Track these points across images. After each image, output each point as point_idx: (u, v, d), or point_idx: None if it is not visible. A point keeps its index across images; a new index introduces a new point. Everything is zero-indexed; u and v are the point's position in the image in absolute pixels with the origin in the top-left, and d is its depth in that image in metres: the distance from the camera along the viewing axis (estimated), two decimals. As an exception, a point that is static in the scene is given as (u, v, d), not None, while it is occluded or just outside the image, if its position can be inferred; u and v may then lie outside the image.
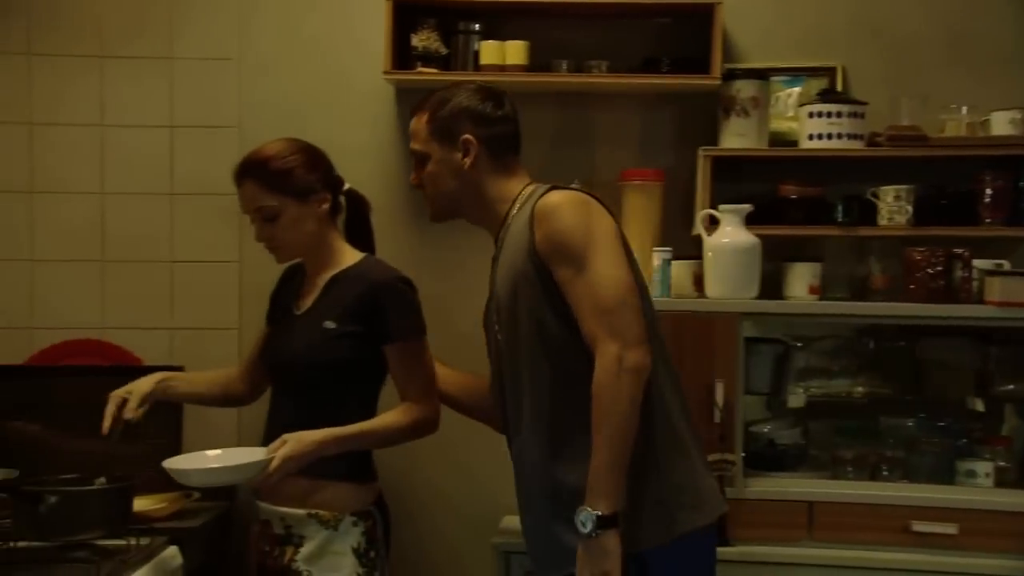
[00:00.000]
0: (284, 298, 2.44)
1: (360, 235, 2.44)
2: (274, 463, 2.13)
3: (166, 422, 2.83)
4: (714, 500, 2.07)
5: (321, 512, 2.24)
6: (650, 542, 1.97)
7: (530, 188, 2.13)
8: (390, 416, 2.26)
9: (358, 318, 2.27)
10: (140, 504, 2.50)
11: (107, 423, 2.26)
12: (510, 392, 2.09)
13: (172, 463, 2.18)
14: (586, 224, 1.97)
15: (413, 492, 2.95)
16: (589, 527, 1.88)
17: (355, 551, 2.25)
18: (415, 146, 2.17)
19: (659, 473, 1.99)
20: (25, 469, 2.63)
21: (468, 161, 2.12)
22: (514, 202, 2.12)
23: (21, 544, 2.27)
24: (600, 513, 1.88)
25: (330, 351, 2.27)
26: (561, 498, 1.99)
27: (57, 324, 2.98)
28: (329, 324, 2.28)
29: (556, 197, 2.01)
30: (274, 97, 2.99)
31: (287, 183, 2.29)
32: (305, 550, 2.25)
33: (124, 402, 2.29)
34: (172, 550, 2.43)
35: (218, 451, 2.27)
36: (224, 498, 2.84)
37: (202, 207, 2.99)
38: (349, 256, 2.36)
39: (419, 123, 2.16)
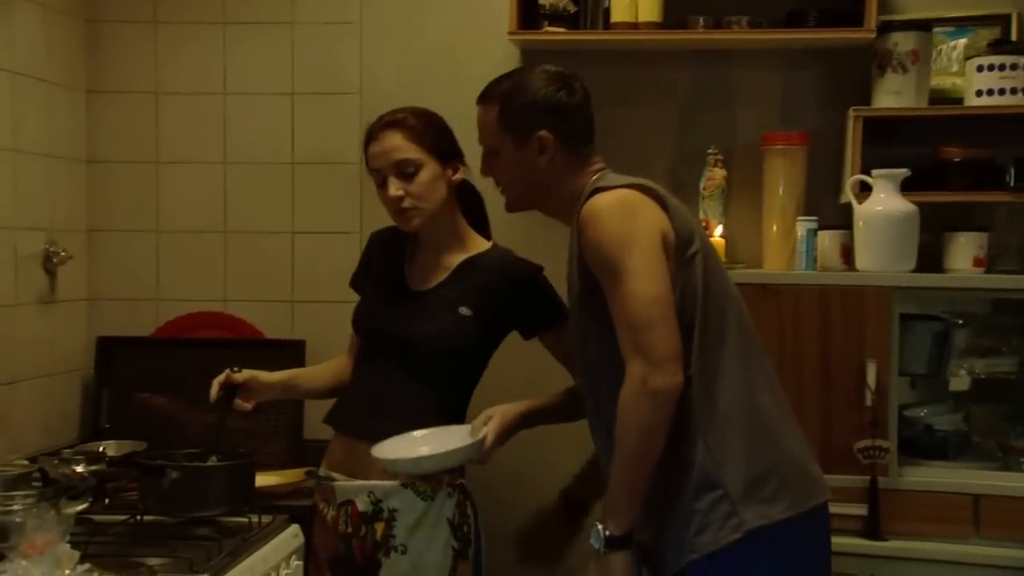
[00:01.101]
0: (387, 267, 2.34)
1: (478, 225, 2.36)
2: (490, 438, 2.10)
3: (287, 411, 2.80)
4: (807, 486, 1.96)
5: (419, 484, 2.17)
6: (710, 546, 1.87)
7: (593, 179, 2.00)
8: (569, 389, 2.24)
9: (497, 309, 2.23)
10: (262, 480, 2.46)
11: (213, 391, 2.24)
12: (587, 384, 2.04)
13: (386, 453, 2.12)
14: (624, 233, 1.86)
15: (512, 471, 2.80)
16: (598, 545, 1.87)
17: (450, 523, 2.19)
18: (485, 141, 2.06)
19: (736, 463, 1.88)
20: (153, 442, 2.63)
21: (544, 159, 2.00)
22: (582, 194, 1.99)
23: (147, 518, 2.27)
24: (609, 532, 1.85)
25: (463, 338, 2.22)
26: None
27: (182, 296, 2.98)
28: (465, 311, 2.21)
29: (598, 203, 1.90)
30: (395, 62, 2.92)
31: (431, 139, 2.22)
32: (401, 523, 2.18)
33: (235, 386, 2.24)
34: (293, 528, 2.39)
35: (420, 434, 2.17)
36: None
37: (323, 176, 2.95)
38: (478, 242, 2.30)
39: (488, 116, 2.04)
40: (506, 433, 2.14)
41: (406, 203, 2.21)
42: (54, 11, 2.81)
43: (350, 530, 2.23)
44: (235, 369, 2.26)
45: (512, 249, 2.33)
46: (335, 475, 2.26)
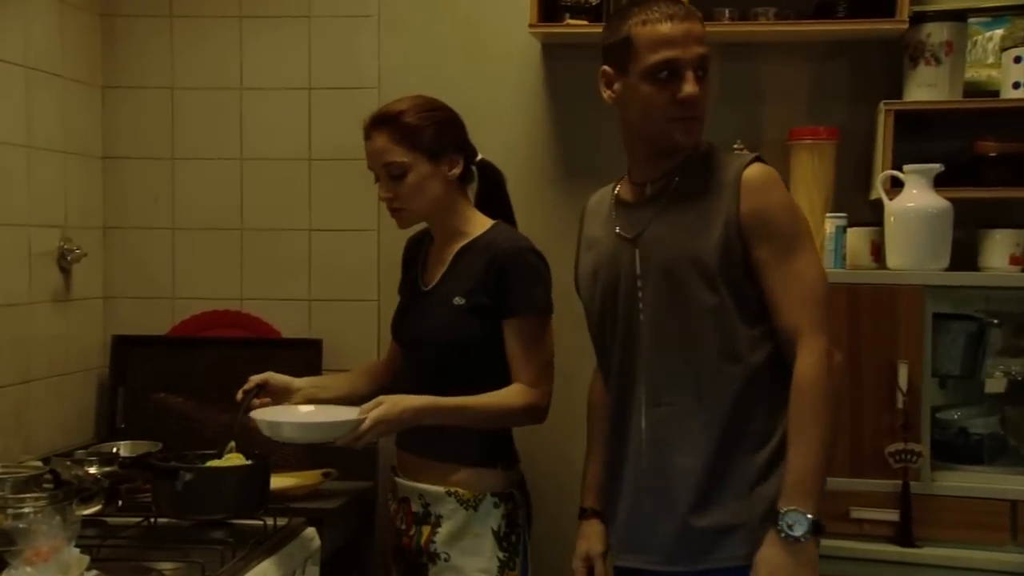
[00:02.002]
0: (411, 271, 2.34)
1: (496, 209, 2.29)
2: (365, 423, 2.02)
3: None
4: None
5: (461, 490, 2.15)
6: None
7: (707, 145, 1.97)
8: (500, 395, 2.12)
9: (485, 291, 2.14)
10: (277, 482, 2.42)
11: (240, 395, 2.21)
12: (655, 359, 1.91)
13: (261, 414, 2.10)
14: (796, 207, 1.92)
15: (562, 477, 2.77)
16: (801, 530, 1.78)
17: (495, 533, 2.15)
18: (703, 52, 1.93)
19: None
20: (168, 442, 2.61)
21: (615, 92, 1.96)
22: (688, 157, 1.93)
23: (161, 521, 2.23)
24: (811, 516, 1.78)
25: (460, 330, 2.15)
26: (724, 485, 1.86)
27: (197, 294, 2.94)
28: (458, 300, 2.16)
29: (766, 170, 1.92)
30: (414, 56, 2.88)
31: (419, 139, 2.16)
32: (444, 530, 2.16)
33: (258, 388, 2.21)
34: (310, 532, 2.35)
35: (312, 407, 2.18)
36: (365, 477, 2.75)
37: (341, 173, 2.90)
38: (479, 225, 2.22)
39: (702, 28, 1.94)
40: (391, 423, 2.05)
41: (395, 204, 2.20)
42: (70, 6, 2.79)
43: (403, 527, 2.24)
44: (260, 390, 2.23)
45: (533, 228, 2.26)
46: (400, 472, 2.27)
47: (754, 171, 1.88)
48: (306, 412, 2.17)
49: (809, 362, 1.81)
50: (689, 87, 1.89)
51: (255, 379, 2.22)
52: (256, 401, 2.22)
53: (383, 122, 2.18)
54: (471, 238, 2.21)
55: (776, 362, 1.88)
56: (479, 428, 2.15)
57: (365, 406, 2.06)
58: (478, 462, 2.17)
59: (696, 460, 1.88)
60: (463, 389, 2.13)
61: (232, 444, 2.22)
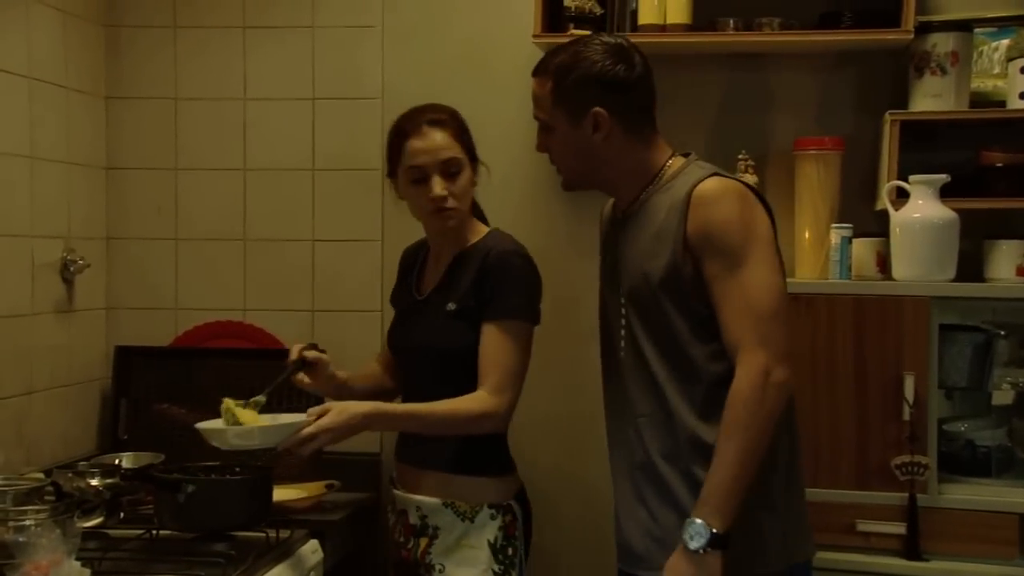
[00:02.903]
0: (405, 282, 2.34)
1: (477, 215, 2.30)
2: (308, 429, 2.00)
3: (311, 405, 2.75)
4: (812, 539, 2.01)
5: (457, 502, 2.14)
6: (769, 566, 1.90)
7: (679, 162, 1.97)
8: (456, 401, 2.09)
9: (473, 294, 2.13)
10: (280, 494, 2.41)
11: (295, 353, 2.22)
12: (629, 373, 1.95)
13: (204, 424, 2.08)
14: (748, 220, 1.87)
15: (559, 487, 2.77)
16: (699, 542, 1.79)
17: (491, 545, 2.14)
18: (539, 114, 1.99)
19: (788, 496, 1.93)
20: (171, 453, 2.59)
21: (599, 137, 1.93)
22: (657, 176, 1.96)
23: (163, 533, 2.22)
24: (715, 530, 1.79)
25: (452, 335, 2.14)
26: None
27: (200, 305, 2.93)
28: (451, 306, 2.15)
29: (718, 185, 1.88)
30: (418, 66, 2.87)
31: (468, 141, 2.20)
32: (440, 542, 2.16)
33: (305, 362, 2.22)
34: (312, 544, 2.33)
35: (264, 416, 2.13)
36: (368, 489, 2.74)
37: (344, 183, 2.89)
38: (477, 231, 2.22)
39: (542, 89, 1.97)
40: (339, 430, 2.01)
41: (450, 203, 2.15)
42: (73, 16, 2.78)
43: (401, 539, 2.23)
44: (317, 347, 2.23)
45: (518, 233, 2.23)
46: (398, 484, 2.26)
47: (704, 187, 1.88)
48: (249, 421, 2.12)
49: (742, 378, 1.80)
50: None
51: (300, 347, 2.21)
52: (300, 375, 2.21)
53: (441, 120, 2.18)
54: (467, 245, 2.20)
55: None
56: (436, 434, 2.13)
57: (312, 410, 2.04)
58: (470, 470, 2.15)
59: (667, 469, 1.90)
60: (456, 396, 2.11)
61: (262, 399, 2.15)
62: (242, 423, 2.06)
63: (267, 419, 2.10)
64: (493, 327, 2.10)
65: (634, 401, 1.96)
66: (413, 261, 2.34)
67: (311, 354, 2.22)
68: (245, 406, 2.11)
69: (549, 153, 2.02)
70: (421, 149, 2.15)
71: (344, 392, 2.26)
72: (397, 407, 2.12)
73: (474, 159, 2.21)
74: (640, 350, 1.93)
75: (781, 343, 1.82)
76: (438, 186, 2.14)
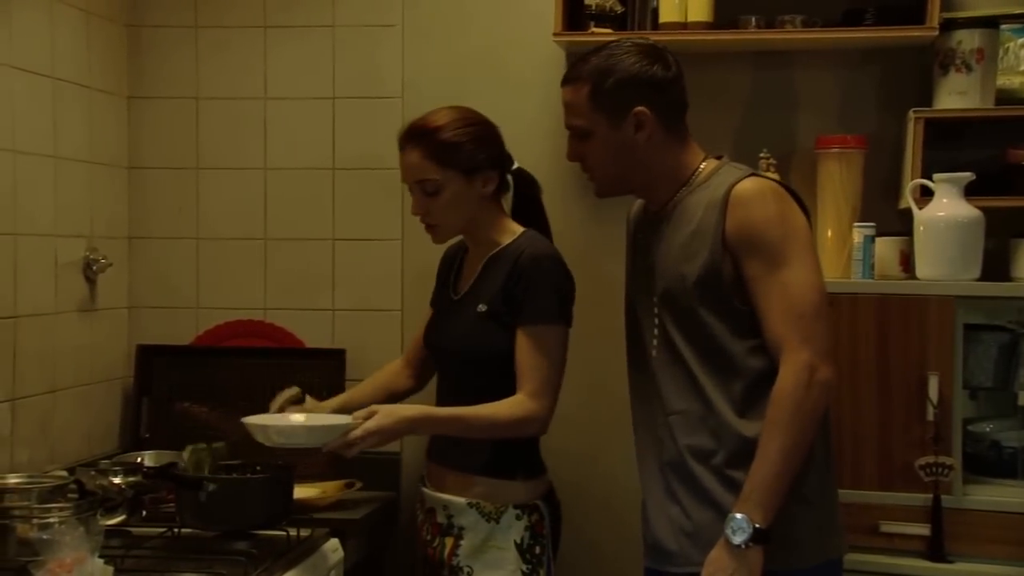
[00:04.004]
0: (444, 281, 2.33)
1: (530, 217, 2.27)
2: (356, 432, 2.01)
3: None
4: (845, 535, 2.02)
5: (483, 502, 2.14)
6: (805, 561, 1.90)
7: (712, 164, 1.97)
8: (497, 406, 2.10)
9: (504, 297, 2.12)
10: (301, 493, 2.42)
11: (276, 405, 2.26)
12: (663, 372, 1.95)
13: (251, 419, 2.10)
14: (787, 219, 1.88)
15: (584, 486, 2.76)
16: (742, 537, 1.80)
17: (518, 546, 2.13)
18: (576, 122, 1.98)
19: (823, 491, 1.93)
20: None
21: (643, 136, 1.93)
22: (691, 177, 1.96)
23: (185, 531, 2.23)
24: (758, 525, 1.80)
25: (484, 338, 2.13)
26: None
27: (222, 304, 2.94)
28: (482, 307, 2.15)
29: (756, 184, 1.89)
30: (438, 65, 2.86)
31: (455, 157, 2.14)
32: (466, 543, 2.15)
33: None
34: (333, 543, 2.33)
35: (303, 416, 2.17)
36: (389, 488, 2.74)
37: (364, 182, 2.89)
38: (510, 233, 2.20)
39: (577, 95, 1.96)
40: (385, 434, 2.03)
41: (427, 219, 2.18)
42: (96, 16, 2.79)
43: (428, 538, 2.23)
44: (301, 401, 2.28)
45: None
46: (427, 482, 2.26)
47: (742, 187, 1.89)
48: (296, 419, 2.16)
49: (786, 376, 1.82)
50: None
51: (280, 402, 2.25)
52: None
53: (418, 137, 2.15)
54: (501, 246, 2.19)
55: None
56: (479, 438, 2.13)
57: (358, 413, 2.05)
58: (499, 473, 2.15)
59: (701, 466, 1.91)
60: (488, 398, 2.11)
61: (296, 391, 2.24)
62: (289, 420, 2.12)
63: (309, 418, 2.14)
64: (528, 331, 2.10)
65: (666, 399, 1.95)
66: (452, 262, 2.33)
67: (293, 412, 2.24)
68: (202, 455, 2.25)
69: (583, 161, 2.01)
70: (401, 165, 2.19)
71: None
72: (442, 411, 2.13)
73: (477, 170, 2.15)
74: (676, 349, 1.93)
75: (824, 341, 1.84)
76: (414, 204, 2.18)
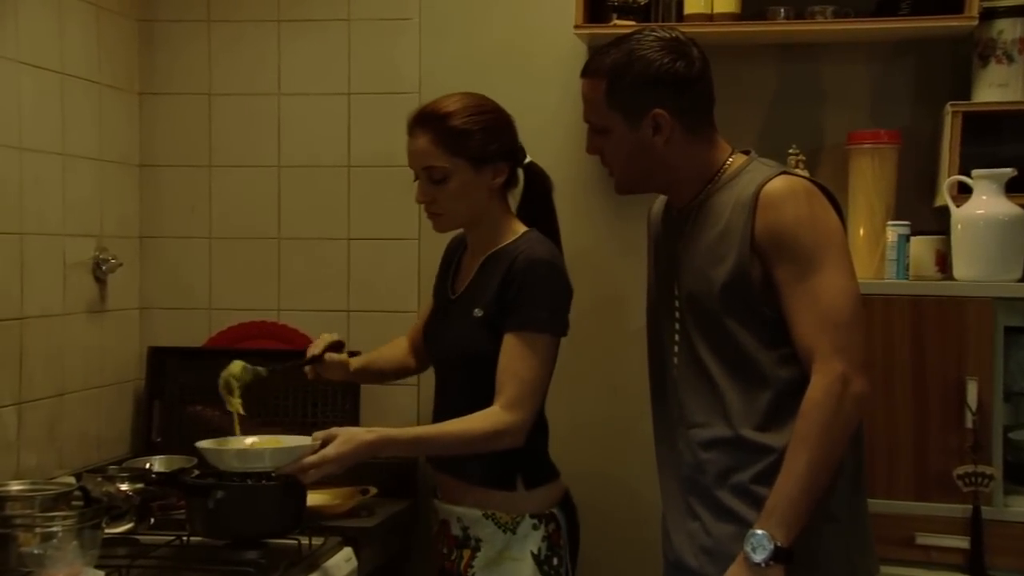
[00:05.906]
0: (444, 277, 2.28)
1: (538, 216, 2.19)
2: (311, 458, 1.96)
3: (343, 407, 2.75)
4: (876, 556, 1.94)
5: (498, 513, 2.09)
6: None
7: (740, 160, 1.88)
8: (465, 421, 2.03)
9: (498, 301, 2.06)
10: (313, 500, 2.36)
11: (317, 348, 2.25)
12: (684, 380, 1.87)
13: (204, 444, 2.08)
14: (819, 221, 1.79)
15: (602, 492, 2.69)
16: (762, 555, 1.72)
17: (535, 557, 2.08)
18: (591, 118, 1.90)
19: (853, 507, 1.85)
20: (204, 457, 2.52)
21: (660, 139, 1.84)
22: (717, 175, 1.87)
23: (194, 540, 2.17)
24: (779, 544, 1.72)
25: (480, 344, 2.07)
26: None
27: (234, 305, 2.90)
28: (478, 312, 2.08)
29: (787, 184, 1.80)
30: (456, 59, 2.81)
31: (465, 145, 2.07)
32: (482, 555, 2.10)
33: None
34: (346, 552, 2.28)
35: (257, 438, 2.15)
36: (405, 495, 2.69)
37: (381, 180, 2.84)
38: (511, 232, 2.13)
39: (594, 92, 1.87)
40: (344, 459, 1.97)
41: (432, 208, 2.12)
42: (107, 11, 2.76)
43: (445, 550, 2.18)
44: (341, 348, 2.27)
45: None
46: (439, 494, 2.22)
47: (772, 187, 1.79)
48: (251, 442, 2.13)
49: (817, 387, 1.74)
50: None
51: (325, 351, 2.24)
52: (307, 368, 2.25)
53: (428, 121, 2.09)
54: (500, 246, 2.13)
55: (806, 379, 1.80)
56: (452, 455, 2.08)
57: (317, 434, 2.01)
58: (511, 483, 2.09)
59: (721, 479, 1.83)
60: (485, 400, 2.04)
61: (263, 372, 2.25)
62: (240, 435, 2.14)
63: (272, 439, 2.13)
64: (514, 338, 2.03)
65: (686, 409, 1.88)
66: (453, 255, 2.28)
67: (331, 357, 2.24)
68: (245, 371, 2.22)
69: (602, 155, 1.93)
70: (408, 150, 2.12)
71: (360, 377, 2.30)
72: (405, 432, 2.07)
73: (488, 161, 2.09)
74: (698, 356, 1.85)
75: (859, 351, 1.76)
76: (419, 190, 2.12)
